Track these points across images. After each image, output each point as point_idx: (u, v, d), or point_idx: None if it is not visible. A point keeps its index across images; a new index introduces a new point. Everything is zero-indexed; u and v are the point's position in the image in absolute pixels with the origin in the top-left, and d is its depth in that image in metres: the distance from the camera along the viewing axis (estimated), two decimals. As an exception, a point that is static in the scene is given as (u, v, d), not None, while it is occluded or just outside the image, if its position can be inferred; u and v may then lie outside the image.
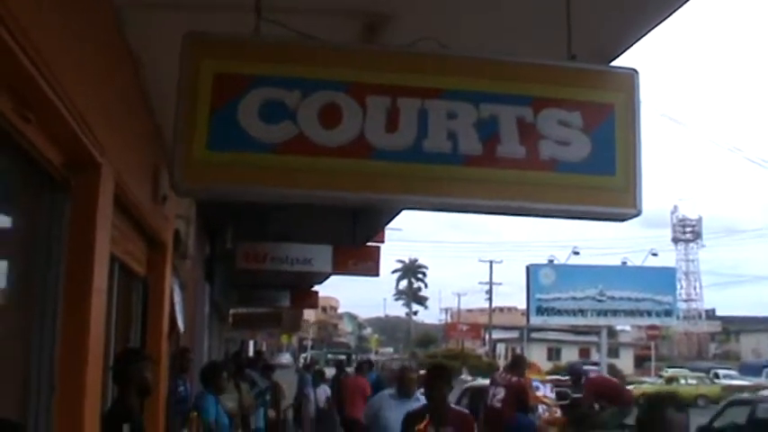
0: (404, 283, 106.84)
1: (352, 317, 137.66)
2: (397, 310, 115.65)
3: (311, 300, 24.60)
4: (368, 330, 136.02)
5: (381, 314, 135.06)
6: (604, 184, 3.95)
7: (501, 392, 10.99)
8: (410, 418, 6.35)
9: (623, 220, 4.07)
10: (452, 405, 6.44)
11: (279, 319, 29.05)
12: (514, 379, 11.25)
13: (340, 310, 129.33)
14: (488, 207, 4.00)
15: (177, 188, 3.71)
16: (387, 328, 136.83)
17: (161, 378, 7.72)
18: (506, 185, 3.87)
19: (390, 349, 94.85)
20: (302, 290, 22.71)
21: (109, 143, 4.50)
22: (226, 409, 9.76)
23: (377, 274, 15.06)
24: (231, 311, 26.25)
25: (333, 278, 17.88)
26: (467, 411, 6.62)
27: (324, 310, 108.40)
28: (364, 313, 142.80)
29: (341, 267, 14.72)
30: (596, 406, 11.56)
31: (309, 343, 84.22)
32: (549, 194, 3.91)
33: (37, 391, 4.13)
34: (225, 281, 16.79)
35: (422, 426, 5.85)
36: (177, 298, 8.77)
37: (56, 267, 4.26)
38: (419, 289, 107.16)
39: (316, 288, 23.74)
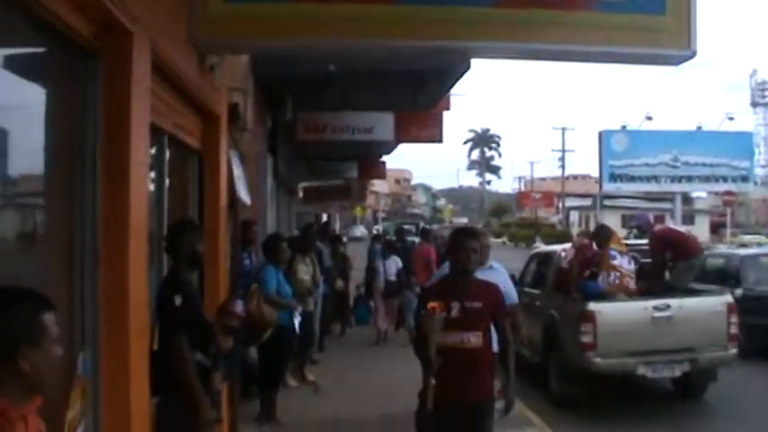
0: (476, 153, 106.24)
1: (426, 188, 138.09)
2: (471, 180, 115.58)
3: (379, 170, 24.55)
4: (441, 201, 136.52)
5: (455, 185, 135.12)
6: (653, 24, 3.62)
7: (571, 254, 10.83)
8: (427, 293, 5.64)
9: (676, 63, 3.75)
10: (480, 277, 5.59)
11: (348, 192, 29.16)
12: (585, 241, 11.05)
13: (413, 182, 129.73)
14: (525, 51, 3.72)
15: (194, 41, 3.51)
16: (460, 198, 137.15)
17: (221, 250, 7.76)
18: (542, 27, 3.56)
19: (465, 219, 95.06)
20: (369, 160, 22.61)
21: (141, 11, 4.32)
22: (293, 280, 9.89)
23: (440, 141, 14.78)
24: (300, 185, 26.42)
25: (405, 150, 17.84)
26: (495, 283, 5.66)
27: (397, 182, 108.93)
28: (438, 184, 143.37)
29: (403, 135, 14.47)
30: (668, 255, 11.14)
31: (382, 215, 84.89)
32: (592, 36, 3.60)
33: (81, 265, 4.11)
34: (289, 154, 16.77)
35: (434, 305, 5.07)
36: (237, 171, 8.72)
37: (92, 140, 4.16)
38: (491, 158, 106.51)
39: (383, 159, 23.63)
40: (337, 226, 47.13)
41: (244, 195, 8.55)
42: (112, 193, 4.18)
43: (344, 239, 18.71)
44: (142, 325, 4.43)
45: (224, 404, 7.78)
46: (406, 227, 24.45)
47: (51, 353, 2.29)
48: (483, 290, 5.44)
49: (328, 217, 39.54)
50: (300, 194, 28.30)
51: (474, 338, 5.24)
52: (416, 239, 18.27)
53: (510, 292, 7.35)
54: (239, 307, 5.72)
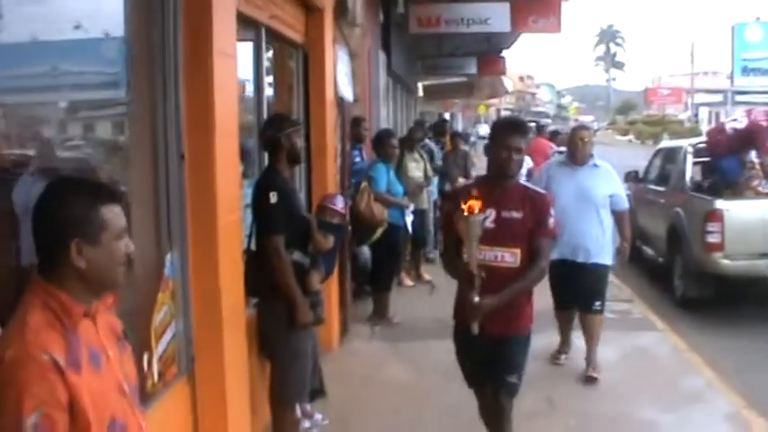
0: (601, 50, 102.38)
1: (550, 86, 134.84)
2: (597, 77, 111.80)
3: (498, 66, 23.66)
4: (567, 99, 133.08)
5: (580, 83, 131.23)
6: None
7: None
8: (458, 195, 4.36)
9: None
10: (524, 183, 4.56)
11: (470, 89, 28.43)
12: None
13: (537, 80, 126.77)
14: None
15: None
16: (586, 96, 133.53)
17: (329, 147, 7.50)
18: None
19: (590, 117, 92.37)
20: (488, 56, 21.82)
21: None
22: (404, 178, 9.59)
23: (558, 30, 13.90)
24: (421, 84, 25.93)
25: (529, 47, 17.08)
26: (544, 192, 4.60)
27: (521, 79, 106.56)
28: (563, 83, 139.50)
29: (521, 25, 13.70)
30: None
31: (506, 113, 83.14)
32: None
33: (165, 164, 3.89)
34: (404, 50, 16.27)
35: (472, 204, 3.88)
36: (345, 68, 8.37)
37: (173, 31, 3.87)
38: (616, 54, 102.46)
39: (503, 54, 22.79)
40: (460, 125, 46.50)
41: (346, 93, 8.20)
42: (194, 85, 3.92)
43: (472, 138, 18.18)
44: (232, 224, 4.20)
45: (334, 304, 7.68)
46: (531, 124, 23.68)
47: (113, 249, 2.04)
48: (527, 198, 4.29)
49: (450, 116, 38.93)
50: (421, 92, 27.85)
51: (509, 257, 4.19)
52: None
53: (617, 195, 6.78)
54: (340, 203, 5.42)
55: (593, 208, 6.56)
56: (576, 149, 6.72)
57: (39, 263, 2.07)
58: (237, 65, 4.36)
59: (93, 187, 2.16)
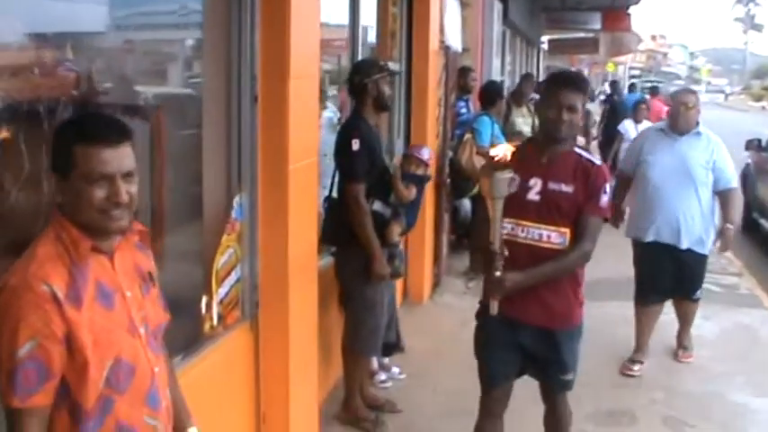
0: (739, 10, 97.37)
1: (683, 46, 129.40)
2: (733, 40, 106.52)
3: (624, 23, 22.49)
4: (699, 60, 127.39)
5: (715, 45, 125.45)
6: None
7: None
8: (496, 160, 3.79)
9: None
10: (580, 150, 3.70)
11: (595, 45, 27.39)
12: None
13: (670, 40, 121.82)
14: None
15: None
16: (721, 58, 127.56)
17: (429, 97, 7.27)
18: None
19: (724, 80, 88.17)
20: (613, 11, 20.85)
21: None
22: (510, 132, 9.26)
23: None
24: (544, 38, 25.19)
25: (662, 6, 16.15)
26: (599, 162, 3.69)
27: (653, 38, 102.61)
28: (697, 44, 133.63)
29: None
30: None
31: (635, 72, 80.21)
32: None
33: (238, 106, 3.76)
34: (526, 2, 15.72)
35: (500, 158, 3.46)
36: (453, 15, 8.07)
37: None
38: (755, 17, 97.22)
39: (630, 11, 21.77)
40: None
41: (453, 41, 7.90)
42: (271, 25, 3.73)
43: (601, 96, 17.45)
44: (306, 169, 4.05)
45: (428, 256, 7.52)
46: (648, 85, 22.72)
47: (83, 192, 1.90)
48: (580, 169, 3.56)
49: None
50: (546, 47, 27.08)
51: (557, 237, 3.52)
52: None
53: (723, 170, 5.68)
54: (426, 153, 5.18)
55: (693, 184, 5.63)
56: (677, 116, 5.74)
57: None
58: (319, 6, 4.15)
59: (85, 124, 2.00)
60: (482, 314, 3.74)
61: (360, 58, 5.73)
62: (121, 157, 1.94)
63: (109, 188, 1.92)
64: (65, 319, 1.85)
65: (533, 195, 3.51)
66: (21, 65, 2.77)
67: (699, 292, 6.00)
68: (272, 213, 3.87)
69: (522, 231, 3.51)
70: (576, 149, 3.65)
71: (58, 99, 2.98)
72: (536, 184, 3.52)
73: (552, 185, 3.51)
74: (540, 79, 16.13)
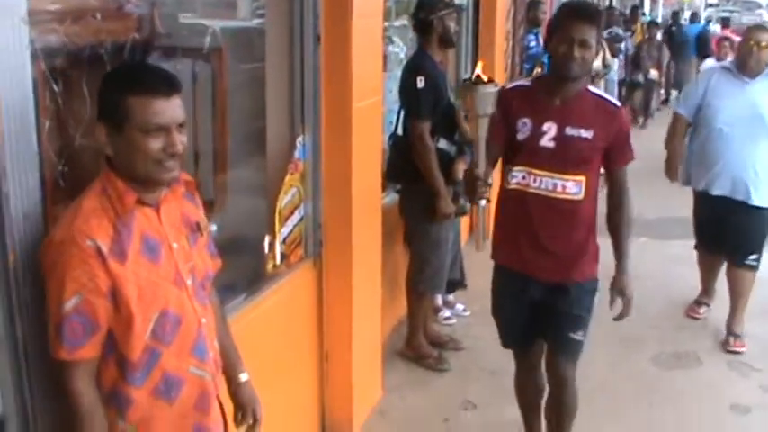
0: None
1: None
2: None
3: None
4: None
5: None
6: None
7: None
8: (507, 97, 3.19)
9: None
10: (595, 90, 3.34)
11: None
12: None
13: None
14: None
15: None
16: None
17: (497, 31, 7.09)
18: None
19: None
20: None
21: None
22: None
23: None
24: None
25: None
26: (616, 103, 3.34)
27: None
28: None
29: None
30: None
31: (707, 1, 76.68)
32: None
33: (300, 45, 3.70)
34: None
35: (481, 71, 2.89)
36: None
37: None
38: None
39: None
40: (660, 11, 43.46)
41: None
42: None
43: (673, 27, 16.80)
44: (369, 108, 3.98)
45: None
46: (724, 15, 21.70)
47: (138, 142, 1.88)
48: (600, 111, 3.20)
49: (651, 1, 36.36)
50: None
51: (573, 187, 3.18)
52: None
53: None
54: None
55: (764, 133, 4.98)
56: (747, 57, 5.03)
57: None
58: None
59: (136, 76, 1.97)
60: (494, 271, 3.53)
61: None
62: (174, 108, 1.92)
63: (165, 139, 1.90)
64: (109, 273, 1.85)
65: (547, 141, 3.15)
66: (82, 9, 2.75)
67: (754, 258, 5.21)
68: (335, 153, 3.83)
69: (535, 181, 3.19)
70: (591, 88, 3.30)
71: (121, 42, 2.97)
72: (550, 129, 3.15)
73: (569, 130, 3.14)
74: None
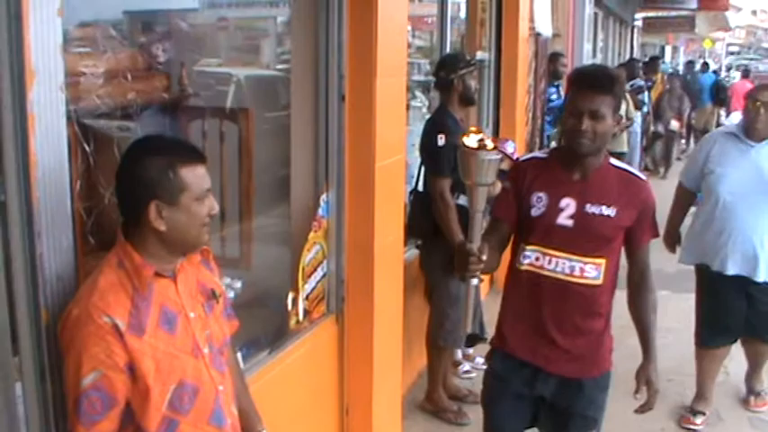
0: None
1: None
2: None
3: (721, 1, 21.77)
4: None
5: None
6: None
7: None
8: (519, 172, 3.00)
9: None
10: (618, 163, 3.00)
11: (691, 23, 26.57)
12: None
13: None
14: None
15: None
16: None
17: (519, 85, 7.17)
18: None
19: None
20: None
21: None
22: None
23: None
24: (638, 15, 24.49)
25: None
26: (641, 176, 3.03)
27: (753, 13, 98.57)
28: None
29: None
30: None
31: (733, 48, 77.03)
32: None
33: (325, 104, 3.77)
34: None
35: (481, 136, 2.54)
36: (543, 1, 7.91)
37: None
38: None
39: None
40: (681, 59, 43.67)
41: (543, 28, 7.75)
42: (358, 24, 3.71)
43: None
44: (392, 166, 4.03)
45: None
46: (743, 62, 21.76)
47: (194, 210, 1.95)
48: (624, 186, 2.91)
49: (672, 50, 36.55)
50: (641, 25, 26.35)
51: (592, 271, 2.88)
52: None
53: None
54: (509, 148, 5.10)
55: None
56: (753, 119, 4.56)
57: (122, 222, 2.02)
58: (407, 6, 4.11)
59: (174, 147, 2.03)
60: (491, 357, 3.17)
61: (448, 48, 5.67)
62: (208, 174, 2.00)
63: (209, 202, 1.99)
64: (126, 349, 1.87)
65: (565, 220, 2.84)
66: (113, 69, 2.83)
67: None
68: (358, 210, 3.88)
69: (550, 263, 2.87)
70: (613, 161, 2.97)
71: (150, 102, 3.05)
72: (568, 205, 2.85)
73: (590, 208, 2.84)
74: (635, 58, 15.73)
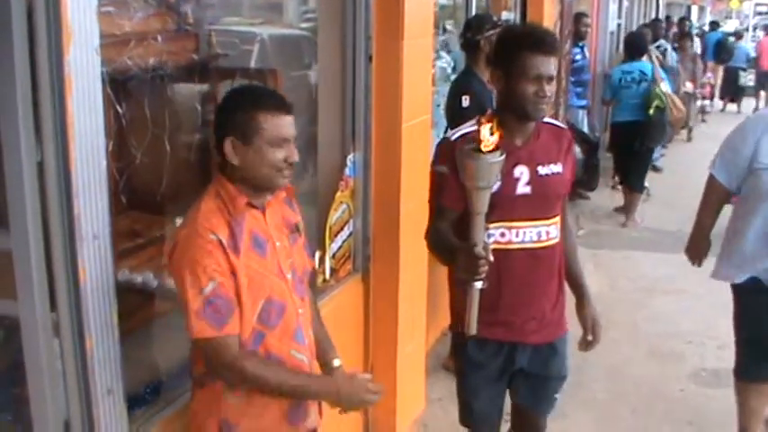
0: None
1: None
2: None
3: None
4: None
5: None
6: None
7: None
8: (452, 147, 2.71)
9: None
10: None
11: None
12: None
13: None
14: None
15: None
16: None
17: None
18: None
19: None
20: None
21: None
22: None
23: None
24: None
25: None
26: (562, 125, 3.06)
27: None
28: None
29: None
30: None
31: (762, 8, 75.12)
32: None
33: (353, 64, 3.76)
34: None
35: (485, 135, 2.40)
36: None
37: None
38: None
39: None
40: (707, 20, 42.86)
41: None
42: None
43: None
44: (418, 127, 4.02)
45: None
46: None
47: (265, 153, 2.15)
48: (557, 139, 2.86)
49: (698, 10, 35.85)
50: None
51: (555, 230, 2.84)
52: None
53: None
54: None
55: None
56: None
57: (219, 160, 2.23)
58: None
59: (260, 95, 2.25)
60: (462, 344, 2.94)
61: (474, 9, 5.62)
62: (292, 124, 2.21)
63: (287, 150, 2.18)
64: (229, 262, 2.09)
65: (523, 188, 2.73)
66: (144, 31, 2.83)
67: None
68: (385, 170, 3.89)
69: (517, 235, 2.76)
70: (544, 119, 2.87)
71: (180, 63, 3.05)
72: (522, 173, 2.73)
73: (543, 170, 2.76)
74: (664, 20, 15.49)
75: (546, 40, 2.71)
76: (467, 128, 2.81)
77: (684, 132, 13.64)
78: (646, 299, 6.37)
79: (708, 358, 5.25)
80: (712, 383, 4.98)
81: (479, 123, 2.55)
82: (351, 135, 3.81)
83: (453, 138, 2.79)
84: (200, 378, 2.25)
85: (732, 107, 17.73)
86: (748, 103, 17.55)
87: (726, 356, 5.17)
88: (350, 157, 3.80)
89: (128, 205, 2.81)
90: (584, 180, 8.91)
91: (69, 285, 2.03)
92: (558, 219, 2.85)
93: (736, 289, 3.83)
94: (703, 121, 15.24)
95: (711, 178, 3.83)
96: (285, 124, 2.18)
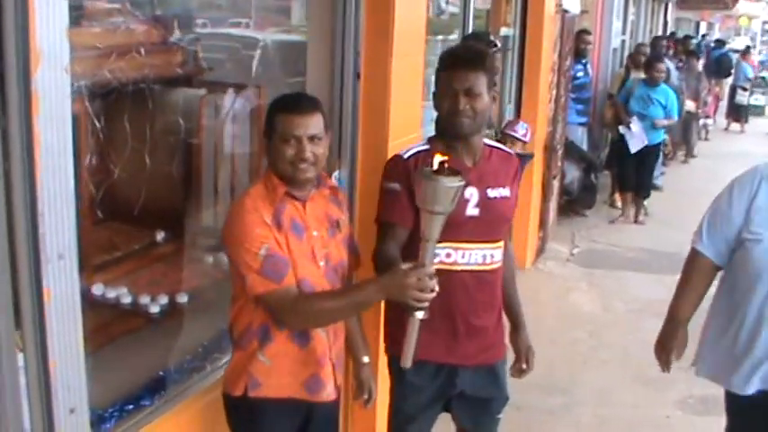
0: None
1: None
2: None
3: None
4: None
5: None
6: None
7: None
8: (408, 166, 2.80)
9: None
10: (488, 141, 2.95)
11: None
12: None
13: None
14: None
15: None
16: None
17: (543, 63, 7.09)
18: None
19: None
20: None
21: None
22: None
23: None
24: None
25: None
26: (509, 150, 3.11)
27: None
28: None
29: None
30: None
31: (765, 27, 75.21)
32: None
33: (340, 81, 3.75)
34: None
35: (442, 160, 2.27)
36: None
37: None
38: None
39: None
40: (715, 37, 42.93)
41: (570, 4, 7.64)
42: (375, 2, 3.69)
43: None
44: (407, 144, 4.01)
45: (534, 222, 7.41)
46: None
47: (278, 148, 2.43)
48: (504, 163, 2.91)
49: (707, 26, 35.94)
50: None
51: (498, 254, 2.86)
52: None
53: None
54: (520, 130, 5.07)
55: None
56: None
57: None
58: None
59: (285, 99, 2.53)
60: (399, 368, 2.68)
61: (470, 27, 5.62)
62: (308, 124, 2.42)
63: (296, 147, 2.40)
64: (273, 235, 2.38)
65: (472, 209, 2.74)
66: (127, 44, 2.84)
67: None
68: (370, 187, 3.86)
69: (464, 256, 2.77)
70: (485, 140, 2.91)
71: (163, 77, 3.06)
72: (472, 195, 2.74)
73: (492, 192, 2.79)
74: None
75: (459, 57, 2.82)
76: (418, 146, 2.86)
77: (680, 154, 13.60)
78: (638, 321, 6.34)
79: (696, 384, 5.21)
80: (699, 411, 4.95)
81: (431, 143, 2.77)
82: (336, 151, 3.79)
83: (406, 156, 2.82)
84: (239, 340, 2.52)
85: (736, 126, 17.71)
86: (757, 123, 17.57)
87: (713, 383, 5.20)
88: (335, 173, 3.79)
89: (106, 217, 2.81)
90: (582, 197, 8.93)
91: (33, 304, 2.02)
92: (501, 243, 2.89)
93: (737, 401, 3.03)
94: (706, 139, 15.24)
95: (694, 251, 3.05)
96: (296, 123, 2.40)
